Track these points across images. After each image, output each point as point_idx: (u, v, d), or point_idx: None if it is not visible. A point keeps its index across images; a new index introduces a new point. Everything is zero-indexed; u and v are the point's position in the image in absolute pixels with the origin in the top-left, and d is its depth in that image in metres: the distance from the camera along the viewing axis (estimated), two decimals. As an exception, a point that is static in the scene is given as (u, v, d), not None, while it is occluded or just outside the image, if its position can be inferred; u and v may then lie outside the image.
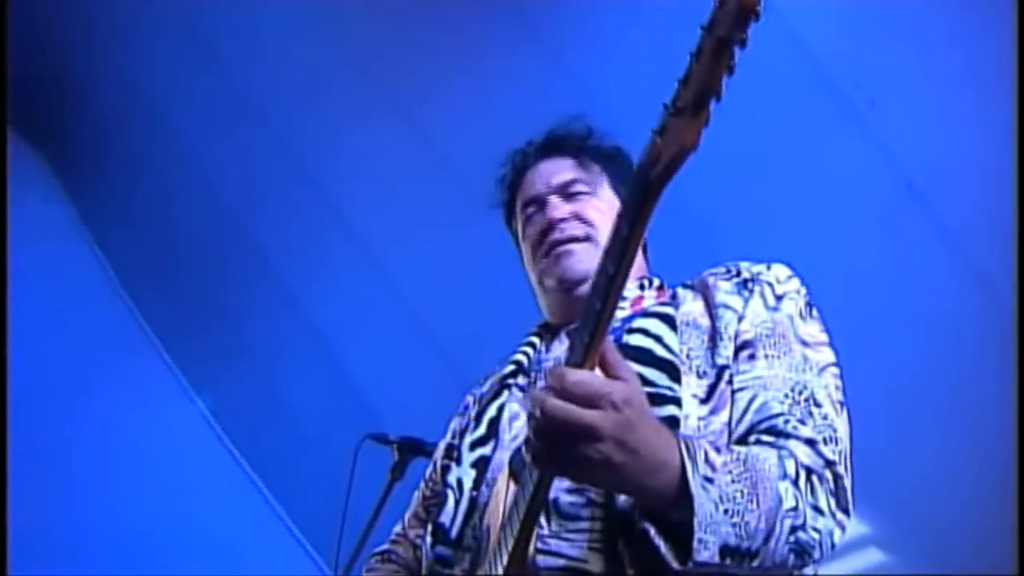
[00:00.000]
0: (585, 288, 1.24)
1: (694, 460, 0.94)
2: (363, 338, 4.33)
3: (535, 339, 1.39)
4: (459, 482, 1.24)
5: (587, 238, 1.34)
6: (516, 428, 1.23)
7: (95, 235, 5.07)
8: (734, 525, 0.94)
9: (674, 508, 0.94)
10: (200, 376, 5.11)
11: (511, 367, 1.33)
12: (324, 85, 3.83)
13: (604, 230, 1.29)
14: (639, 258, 1.42)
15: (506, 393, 1.29)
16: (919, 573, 3.34)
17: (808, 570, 1.10)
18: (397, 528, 1.48)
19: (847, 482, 1.08)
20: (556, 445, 0.89)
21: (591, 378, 0.90)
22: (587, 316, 0.95)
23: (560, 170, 1.42)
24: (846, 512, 1.07)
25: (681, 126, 0.89)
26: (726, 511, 0.93)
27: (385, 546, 1.48)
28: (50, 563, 4.84)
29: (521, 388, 1.29)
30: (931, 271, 2.95)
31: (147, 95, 4.39)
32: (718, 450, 0.99)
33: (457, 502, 1.22)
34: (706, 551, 0.92)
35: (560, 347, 1.31)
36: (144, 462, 4.92)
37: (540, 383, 1.26)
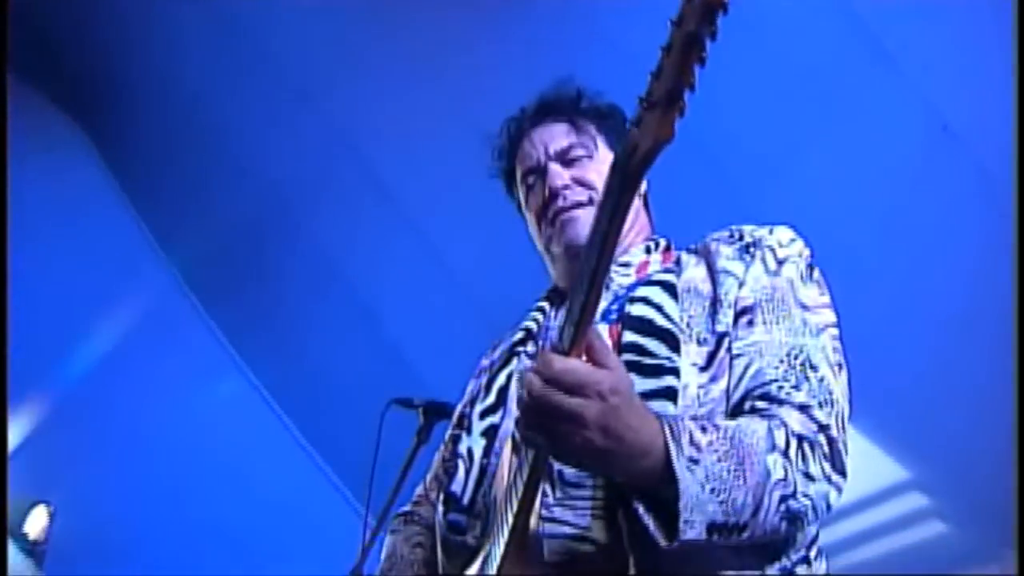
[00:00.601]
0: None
1: (679, 443, 0.97)
2: (402, 300, 4.38)
3: (545, 304, 1.40)
4: (469, 451, 1.26)
5: (590, 202, 1.34)
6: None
7: (135, 203, 5.11)
8: (721, 503, 0.97)
9: (661, 489, 0.97)
10: (242, 339, 5.18)
11: (521, 334, 1.35)
12: (359, 53, 3.85)
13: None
14: (643, 219, 1.43)
15: (515, 361, 1.31)
16: (919, 573, 3.40)
17: (811, 528, 1.14)
18: (419, 490, 1.52)
19: (842, 444, 1.10)
20: (542, 429, 0.94)
21: (579, 367, 0.94)
22: (572, 305, 0.98)
23: (555, 136, 1.41)
24: (842, 473, 1.09)
25: (655, 119, 0.91)
26: (712, 490, 0.97)
27: (407, 507, 1.52)
28: (104, 526, 5.05)
29: (530, 355, 1.30)
30: (968, 211, 2.94)
31: (182, 65, 4.42)
32: (704, 429, 1.01)
33: (468, 471, 1.25)
34: (692, 530, 0.96)
35: None
36: (189, 424, 5.01)
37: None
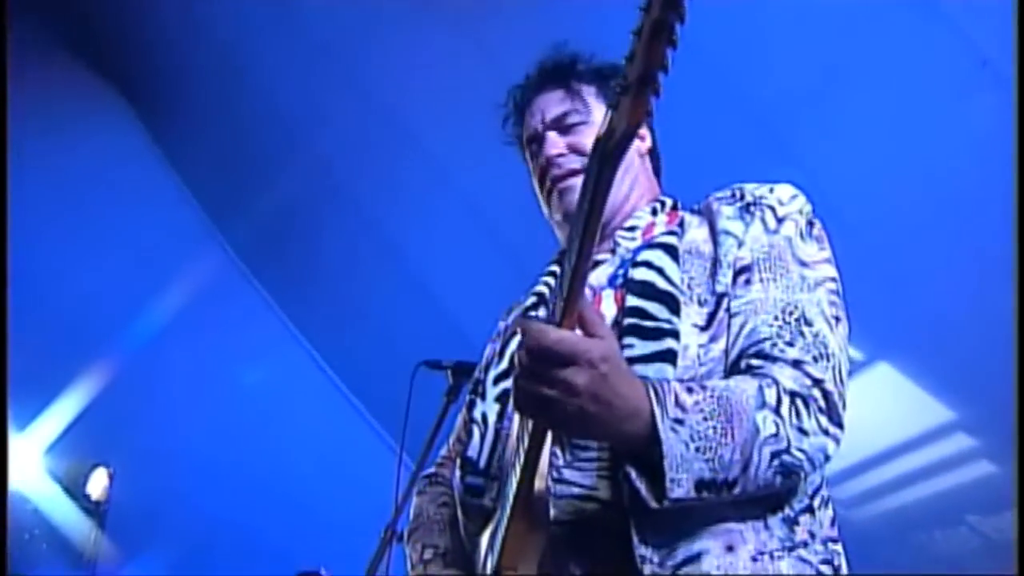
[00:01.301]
0: None
1: (663, 405, 1.01)
2: (440, 251, 4.42)
3: (555, 268, 1.41)
4: (484, 416, 1.30)
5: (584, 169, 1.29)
6: None
7: (173, 163, 5.19)
8: (707, 460, 1.01)
9: (649, 451, 1.01)
10: (285, 294, 5.30)
11: (533, 299, 1.38)
12: (390, 10, 3.86)
13: None
14: (649, 181, 1.43)
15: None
16: (919, 573, 3.40)
17: (815, 477, 1.17)
18: (443, 451, 1.54)
19: (838, 396, 1.12)
20: (536, 397, 0.98)
21: (570, 337, 0.98)
22: (561, 279, 1.02)
23: (551, 103, 1.41)
24: (839, 425, 1.12)
25: (628, 102, 0.93)
26: (698, 448, 1.01)
27: (432, 469, 1.54)
28: (161, 487, 5.22)
29: (544, 322, 1.29)
30: (1009, 148, 2.89)
31: (216, 26, 4.43)
32: (691, 391, 1.04)
33: (483, 436, 1.28)
34: (680, 488, 1.00)
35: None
36: (241, 389, 5.14)
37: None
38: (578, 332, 1.01)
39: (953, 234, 3.03)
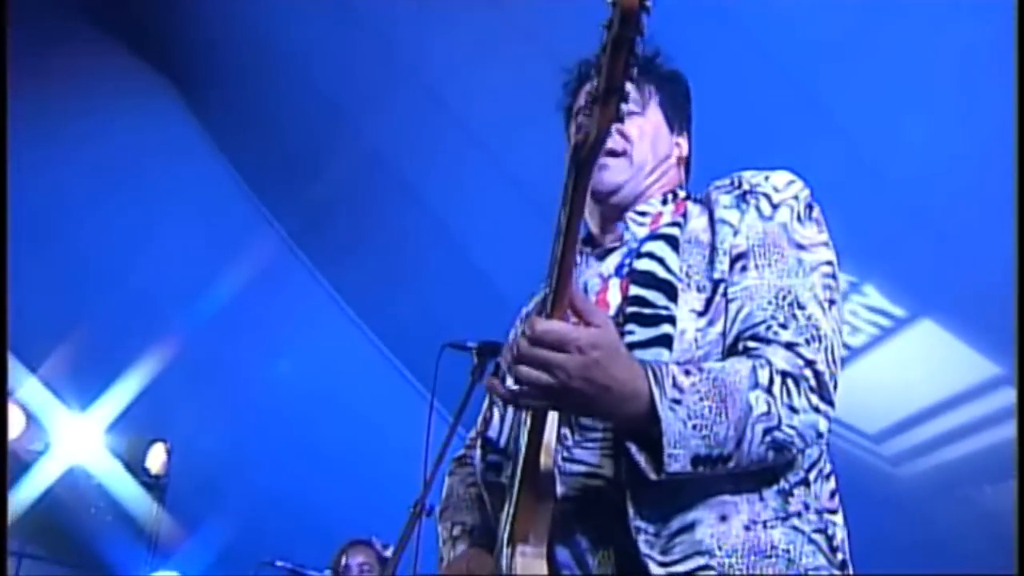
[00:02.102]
0: (616, 199, 1.36)
1: (662, 387, 1.07)
2: (480, 220, 4.46)
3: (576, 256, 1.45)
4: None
5: (623, 153, 1.36)
6: None
7: (222, 147, 5.20)
8: (703, 437, 1.07)
9: (649, 429, 1.07)
10: (334, 271, 5.32)
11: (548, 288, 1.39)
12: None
13: (641, 149, 1.37)
14: (672, 174, 1.44)
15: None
16: (919, 573, 3.39)
17: (812, 451, 1.22)
18: (471, 433, 1.57)
19: (829, 376, 1.16)
20: (530, 382, 1.04)
21: (559, 326, 1.04)
22: (550, 272, 1.08)
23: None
24: (830, 403, 1.16)
25: (597, 112, 1.00)
26: (694, 426, 1.07)
27: (462, 451, 1.59)
28: (217, 461, 5.37)
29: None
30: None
31: (261, 11, 4.43)
32: (687, 372, 1.10)
33: (502, 417, 1.33)
34: (677, 463, 1.06)
35: (599, 265, 1.37)
36: (288, 353, 5.24)
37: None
38: (574, 320, 1.07)
39: (997, 188, 3.01)
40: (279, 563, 4.01)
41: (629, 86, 1.16)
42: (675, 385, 1.08)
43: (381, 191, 4.62)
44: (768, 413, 1.11)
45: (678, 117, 1.44)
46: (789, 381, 1.13)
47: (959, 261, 3.18)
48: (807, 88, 3.22)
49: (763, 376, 1.12)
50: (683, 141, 1.46)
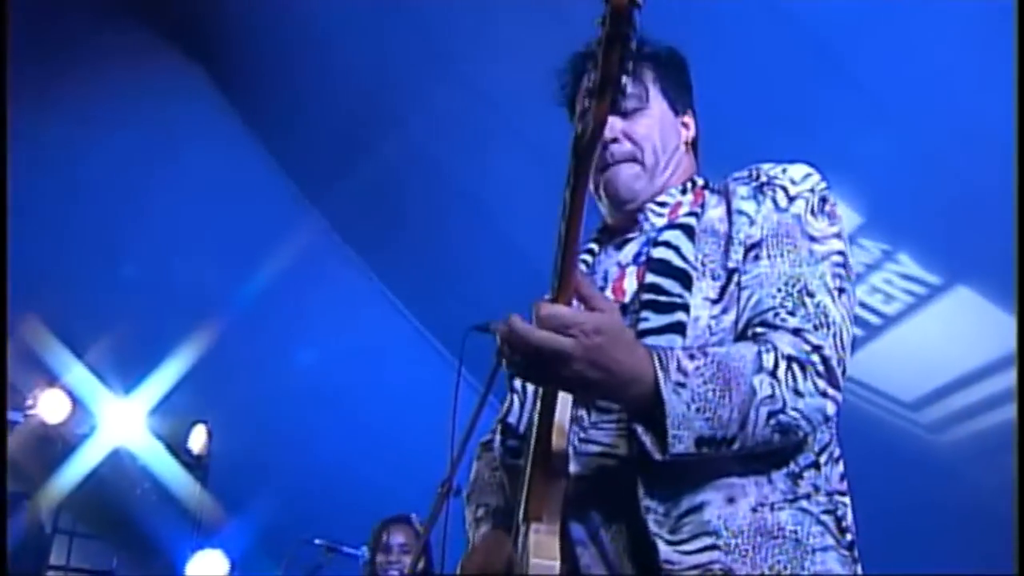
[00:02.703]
0: (634, 204, 1.39)
1: (666, 371, 1.09)
2: (517, 203, 4.45)
3: (594, 245, 1.46)
4: (523, 385, 1.39)
5: (633, 158, 1.39)
6: None
7: (261, 137, 5.22)
8: (707, 419, 1.10)
9: (653, 411, 1.10)
10: (369, 249, 5.36)
11: None
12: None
13: (650, 149, 1.39)
14: (686, 162, 1.45)
15: None
16: (920, 573, 3.37)
17: (822, 435, 1.25)
18: (498, 417, 1.58)
19: (837, 361, 1.18)
20: (535, 366, 1.07)
21: (562, 310, 1.06)
22: (556, 263, 1.10)
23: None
24: (837, 388, 1.18)
25: (593, 107, 1.02)
26: (698, 408, 1.10)
27: (488, 436, 1.60)
28: (257, 442, 5.46)
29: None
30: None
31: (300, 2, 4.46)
32: (692, 357, 1.12)
33: (522, 403, 1.38)
34: (681, 444, 1.09)
35: (617, 254, 1.40)
36: (326, 335, 5.29)
37: (600, 285, 1.37)
38: (580, 307, 1.09)
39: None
40: (317, 541, 4.08)
41: (627, 80, 1.19)
42: (679, 368, 1.11)
43: (419, 177, 4.63)
44: (772, 396, 1.13)
45: (680, 97, 1.45)
46: (795, 366, 1.16)
47: (994, 227, 3.15)
48: (837, 56, 3.19)
49: (768, 360, 1.15)
50: (689, 120, 1.48)
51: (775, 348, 1.16)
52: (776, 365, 1.15)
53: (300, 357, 5.25)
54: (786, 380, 1.14)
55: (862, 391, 3.83)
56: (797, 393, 1.15)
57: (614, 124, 1.39)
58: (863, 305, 3.67)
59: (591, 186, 1.44)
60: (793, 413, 1.14)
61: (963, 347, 3.54)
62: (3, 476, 3.09)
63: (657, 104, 1.43)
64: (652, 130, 1.40)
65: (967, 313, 3.45)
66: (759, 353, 1.15)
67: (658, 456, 1.11)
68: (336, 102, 4.61)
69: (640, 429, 1.12)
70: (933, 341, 3.64)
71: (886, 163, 3.30)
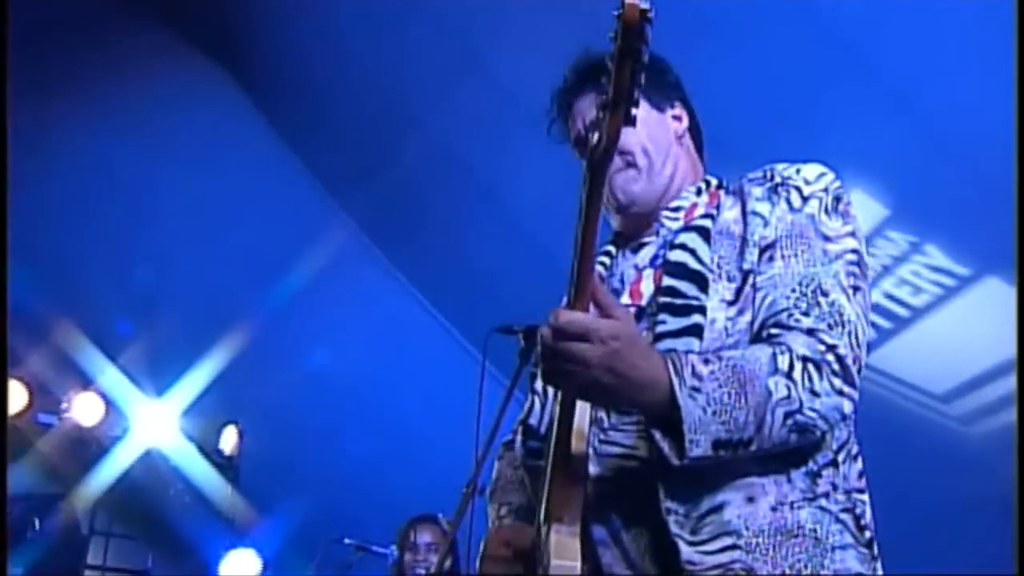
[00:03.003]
0: (636, 208, 1.41)
1: (681, 376, 1.11)
2: (545, 205, 4.45)
3: (611, 248, 1.48)
4: (544, 387, 1.39)
5: (628, 165, 1.41)
6: None
7: (287, 139, 5.26)
8: (723, 423, 1.11)
9: (670, 416, 1.11)
10: (397, 252, 5.38)
11: None
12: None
13: (639, 149, 1.40)
14: (688, 163, 1.46)
15: None
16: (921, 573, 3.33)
17: (841, 432, 1.26)
18: (519, 417, 1.59)
19: (852, 359, 1.19)
20: (556, 371, 1.09)
21: (581, 317, 1.08)
22: (571, 268, 1.12)
23: (591, 107, 1.34)
24: (853, 386, 1.19)
25: (607, 120, 1.05)
26: (714, 412, 1.11)
27: (510, 436, 1.61)
28: (287, 443, 5.50)
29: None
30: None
31: (321, 4, 4.44)
32: (707, 361, 1.14)
33: (543, 405, 1.39)
34: (698, 448, 1.11)
35: (634, 257, 1.42)
36: (354, 336, 5.32)
37: (617, 288, 1.40)
38: (595, 312, 1.11)
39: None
40: (347, 540, 4.12)
41: (639, 93, 1.21)
42: (694, 374, 1.12)
43: (443, 176, 4.64)
44: (788, 397, 1.14)
45: (661, 94, 1.45)
46: (810, 366, 1.17)
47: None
48: (861, 50, 3.17)
49: (783, 362, 1.16)
50: (679, 112, 1.48)
51: (790, 350, 1.17)
52: (791, 366, 1.16)
53: (329, 357, 5.29)
54: (802, 381, 1.16)
55: (892, 384, 3.80)
56: (813, 393, 1.16)
57: None
58: (891, 297, 3.65)
59: None
60: (810, 413, 1.16)
61: (993, 338, 3.51)
62: (3, 476, 3.12)
63: (644, 112, 1.41)
64: (639, 136, 1.41)
65: (997, 304, 3.42)
66: (774, 355, 1.16)
67: (676, 461, 1.12)
68: (359, 102, 4.63)
69: (658, 434, 1.14)
70: (963, 333, 3.61)
71: (913, 155, 3.27)
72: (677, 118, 1.47)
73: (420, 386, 5.32)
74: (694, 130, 1.51)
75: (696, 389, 1.12)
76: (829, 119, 3.39)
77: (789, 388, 1.15)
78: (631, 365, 1.09)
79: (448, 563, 3.27)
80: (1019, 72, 2.54)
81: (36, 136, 4.70)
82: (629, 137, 1.38)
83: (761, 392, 1.13)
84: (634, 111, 1.05)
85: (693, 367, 1.13)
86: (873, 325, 3.77)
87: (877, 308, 3.71)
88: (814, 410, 1.16)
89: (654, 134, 1.43)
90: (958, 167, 3.16)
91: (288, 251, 5.02)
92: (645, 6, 1.01)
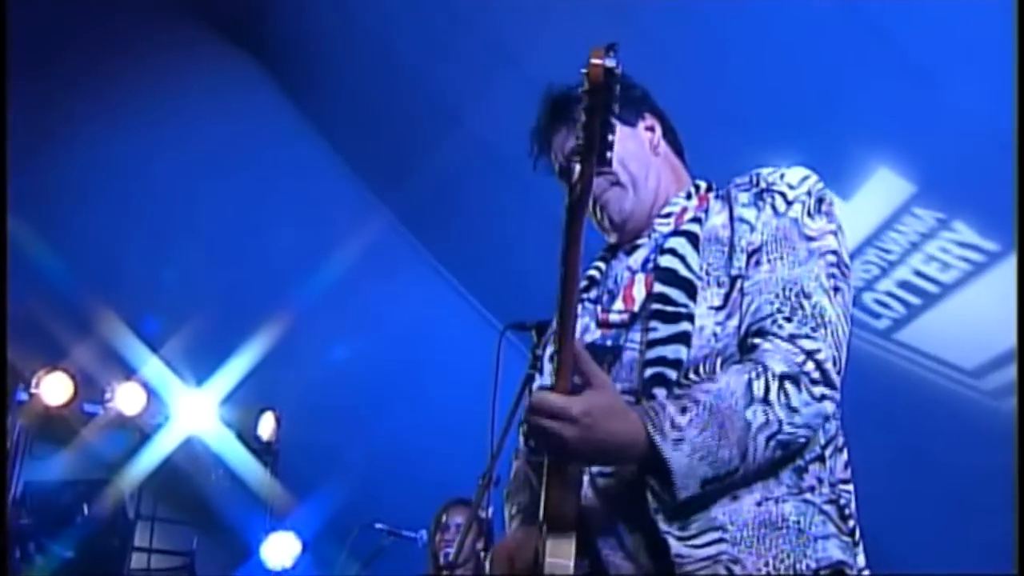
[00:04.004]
0: (632, 224, 1.47)
1: (661, 431, 1.18)
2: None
3: (607, 253, 1.54)
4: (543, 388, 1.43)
5: (613, 184, 1.47)
6: (588, 335, 1.40)
7: (323, 133, 5.31)
8: (710, 464, 1.19)
9: (658, 466, 1.19)
10: (434, 240, 5.45)
11: (585, 282, 1.49)
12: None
13: (620, 167, 1.45)
14: (673, 167, 1.52)
15: (580, 306, 1.43)
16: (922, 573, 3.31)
17: (829, 426, 1.31)
18: (523, 418, 1.60)
19: (832, 361, 1.26)
20: (540, 445, 1.22)
21: (553, 399, 1.18)
22: (554, 343, 1.22)
23: (565, 141, 1.50)
24: (833, 387, 1.26)
25: (580, 170, 1.14)
26: (700, 457, 1.18)
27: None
28: (325, 429, 5.55)
29: (592, 301, 1.47)
30: None
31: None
32: (684, 410, 1.20)
33: None
34: (687, 491, 1.18)
35: (627, 259, 1.47)
36: (389, 321, 5.38)
37: (611, 289, 1.46)
38: (577, 380, 1.21)
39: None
40: (378, 526, 4.20)
41: (573, 133, 1.27)
42: (674, 425, 1.19)
43: (480, 168, 4.68)
44: (767, 422, 1.21)
45: (628, 109, 1.47)
46: (787, 384, 1.23)
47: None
48: (886, 26, 3.16)
49: (759, 388, 1.22)
50: (650, 121, 1.52)
51: (766, 370, 1.23)
52: (767, 390, 1.22)
53: (364, 345, 5.35)
54: (779, 401, 1.22)
55: (923, 360, 3.79)
56: (792, 409, 1.22)
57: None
58: (920, 274, 3.64)
59: (593, 221, 1.53)
60: (790, 429, 1.22)
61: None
62: (3, 475, 3.18)
63: (621, 132, 1.44)
64: (616, 153, 1.41)
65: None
66: (749, 383, 1.22)
67: (667, 500, 1.20)
68: (395, 95, 4.67)
69: (650, 480, 1.22)
70: (993, 307, 3.59)
71: (939, 131, 3.26)
72: (650, 128, 1.52)
73: (456, 372, 5.37)
74: (669, 135, 1.55)
75: (679, 440, 1.18)
76: (854, 96, 3.38)
77: (767, 413, 1.21)
78: (609, 433, 1.18)
79: (481, 544, 3.32)
80: (1019, 77, 2.55)
81: (72, 133, 4.79)
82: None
83: (741, 427, 1.20)
84: (608, 153, 1.13)
85: (672, 420, 1.19)
86: (903, 302, 3.78)
87: (906, 285, 3.70)
88: (794, 424, 1.22)
89: (630, 149, 1.47)
90: (984, 142, 3.15)
91: (323, 241, 5.07)
92: (611, 64, 1.09)
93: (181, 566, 5.36)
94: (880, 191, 3.51)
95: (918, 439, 3.75)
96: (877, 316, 3.72)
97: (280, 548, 5.28)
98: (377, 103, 4.78)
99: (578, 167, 1.15)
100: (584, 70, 1.10)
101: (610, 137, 1.12)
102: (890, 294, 3.71)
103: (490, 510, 3.10)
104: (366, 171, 5.36)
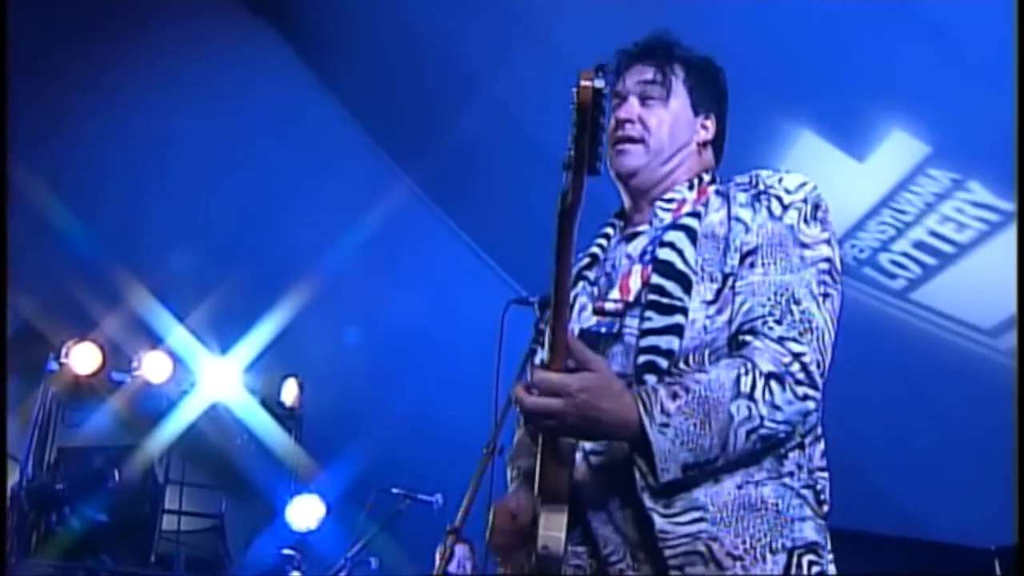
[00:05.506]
0: (635, 181, 1.50)
1: (651, 414, 1.25)
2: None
3: (609, 230, 1.57)
4: (543, 363, 1.43)
5: (641, 140, 1.50)
6: (584, 319, 1.46)
7: (344, 102, 5.36)
8: (691, 450, 1.25)
9: (644, 448, 1.26)
10: (456, 210, 5.49)
11: (587, 259, 1.54)
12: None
13: (658, 137, 1.49)
14: (698, 157, 1.54)
15: (580, 284, 1.51)
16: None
17: (810, 418, 1.35)
18: None
19: (816, 364, 1.31)
20: (538, 422, 1.28)
21: (550, 377, 1.25)
22: (548, 331, 1.27)
23: (643, 74, 1.53)
24: (815, 387, 1.31)
25: (570, 182, 1.21)
26: (682, 443, 1.25)
27: None
28: (348, 396, 5.58)
29: (591, 283, 1.52)
30: None
31: None
32: (675, 396, 1.26)
33: None
34: (668, 473, 1.25)
35: (626, 246, 1.50)
36: (414, 282, 5.41)
37: (609, 272, 1.50)
38: (572, 363, 1.27)
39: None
40: (394, 490, 4.27)
41: (652, 74, 1.42)
42: (663, 411, 1.26)
43: (500, 136, 4.65)
44: (749, 416, 1.27)
45: (705, 100, 1.53)
46: (773, 382, 1.29)
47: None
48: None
49: (746, 383, 1.28)
50: (709, 123, 1.55)
51: (754, 367, 1.29)
52: (753, 386, 1.28)
53: (385, 312, 5.39)
54: (763, 398, 1.28)
55: (940, 320, 3.79)
56: (775, 407, 1.28)
57: (633, 106, 1.53)
58: (936, 235, 3.63)
59: (608, 161, 1.55)
60: (771, 425, 1.28)
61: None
62: (3, 475, 3.20)
63: (678, 101, 1.53)
64: (663, 122, 1.50)
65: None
66: (738, 378, 1.28)
67: (652, 482, 1.27)
68: (416, 64, 4.66)
69: (636, 458, 1.28)
70: (1009, 267, 3.60)
71: (953, 92, 3.25)
72: (705, 127, 1.54)
73: (477, 339, 5.41)
74: (717, 142, 1.57)
75: (665, 425, 1.25)
76: (868, 57, 3.37)
77: (750, 408, 1.27)
78: (602, 410, 1.25)
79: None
80: (1019, 77, 2.54)
81: (100, 104, 4.82)
82: (654, 120, 1.51)
83: (724, 418, 1.26)
84: (598, 164, 1.20)
85: (662, 404, 1.26)
86: (918, 262, 3.78)
87: (922, 246, 3.70)
88: (775, 421, 1.28)
89: (678, 130, 1.51)
90: (998, 103, 3.13)
91: (346, 211, 5.08)
92: (599, 85, 1.16)
93: (211, 527, 5.47)
94: (895, 152, 3.50)
95: (936, 397, 3.77)
96: (893, 276, 3.73)
97: (305, 510, 5.36)
98: (397, 72, 4.77)
99: (569, 178, 1.20)
100: (575, 89, 1.16)
101: (600, 149, 1.19)
102: (906, 254, 3.70)
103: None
104: (388, 141, 5.37)
